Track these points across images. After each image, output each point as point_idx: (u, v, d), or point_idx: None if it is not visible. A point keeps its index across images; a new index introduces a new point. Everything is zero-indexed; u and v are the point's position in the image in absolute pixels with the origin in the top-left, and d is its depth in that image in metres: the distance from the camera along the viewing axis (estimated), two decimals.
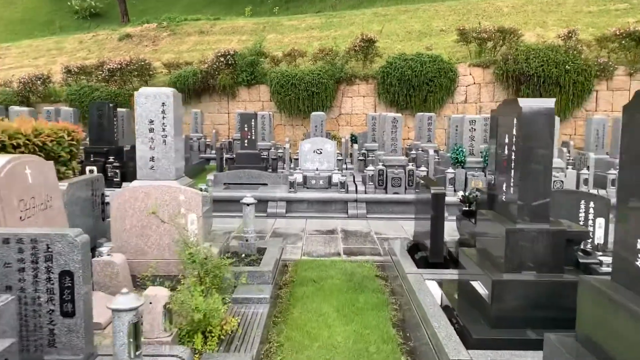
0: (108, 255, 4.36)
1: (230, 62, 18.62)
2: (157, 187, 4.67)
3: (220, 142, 14.62)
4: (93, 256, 4.35)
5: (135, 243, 4.72)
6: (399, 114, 10.08)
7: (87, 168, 9.63)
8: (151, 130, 5.13)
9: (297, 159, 11.45)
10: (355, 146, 12.05)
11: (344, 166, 12.75)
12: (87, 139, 11.28)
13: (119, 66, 19.84)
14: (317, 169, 10.10)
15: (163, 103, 5.12)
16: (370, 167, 9.68)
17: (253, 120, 11.34)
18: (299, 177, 9.91)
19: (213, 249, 4.75)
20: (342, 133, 17.65)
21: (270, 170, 12.01)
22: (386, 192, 9.61)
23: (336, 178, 9.86)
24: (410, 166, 9.79)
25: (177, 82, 18.85)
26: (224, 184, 10.55)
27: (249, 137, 11.29)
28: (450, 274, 4.78)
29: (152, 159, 5.15)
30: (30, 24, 31.79)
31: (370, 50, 17.83)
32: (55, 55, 24.32)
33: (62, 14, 33.64)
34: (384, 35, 20.24)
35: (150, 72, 20.28)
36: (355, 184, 10.01)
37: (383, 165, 9.78)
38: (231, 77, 18.51)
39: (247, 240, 5.80)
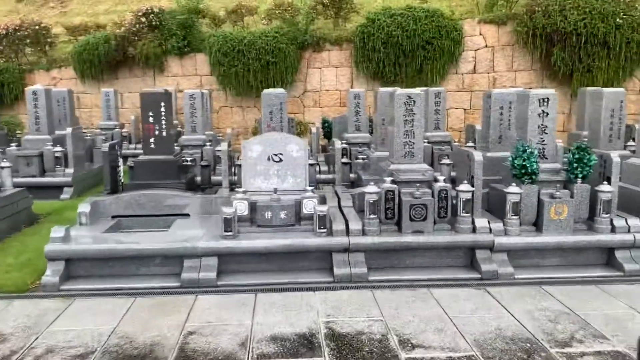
0: None
1: (155, 23, 13.81)
2: None
3: (113, 138, 9.62)
4: None
5: None
6: (417, 90, 5.70)
7: None
8: None
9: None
10: (337, 143, 7.52)
11: (317, 169, 8.32)
12: None
13: (4, 32, 14.69)
14: (275, 191, 5.64)
15: None
16: (372, 188, 5.29)
17: (164, 104, 6.62)
18: (241, 208, 5.44)
19: None
20: (309, 117, 13.16)
21: (199, 184, 7.45)
22: (400, 231, 5.30)
23: (310, 206, 5.46)
24: (442, 182, 5.45)
25: (84, 51, 14.04)
26: (113, 217, 6.00)
27: (156, 132, 6.60)
28: None
29: None
30: None
31: (343, 4, 13.37)
32: None
33: None
34: None
35: (49, 40, 15.22)
36: (342, 214, 5.63)
37: (392, 181, 5.44)
38: (158, 44, 13.71)
39: None
